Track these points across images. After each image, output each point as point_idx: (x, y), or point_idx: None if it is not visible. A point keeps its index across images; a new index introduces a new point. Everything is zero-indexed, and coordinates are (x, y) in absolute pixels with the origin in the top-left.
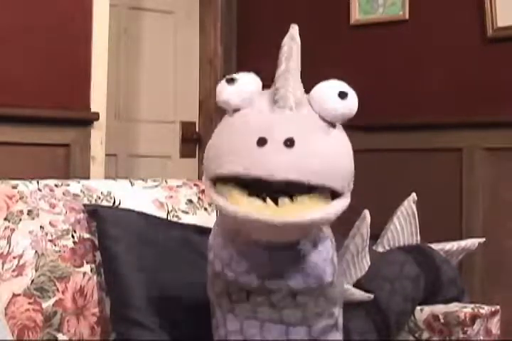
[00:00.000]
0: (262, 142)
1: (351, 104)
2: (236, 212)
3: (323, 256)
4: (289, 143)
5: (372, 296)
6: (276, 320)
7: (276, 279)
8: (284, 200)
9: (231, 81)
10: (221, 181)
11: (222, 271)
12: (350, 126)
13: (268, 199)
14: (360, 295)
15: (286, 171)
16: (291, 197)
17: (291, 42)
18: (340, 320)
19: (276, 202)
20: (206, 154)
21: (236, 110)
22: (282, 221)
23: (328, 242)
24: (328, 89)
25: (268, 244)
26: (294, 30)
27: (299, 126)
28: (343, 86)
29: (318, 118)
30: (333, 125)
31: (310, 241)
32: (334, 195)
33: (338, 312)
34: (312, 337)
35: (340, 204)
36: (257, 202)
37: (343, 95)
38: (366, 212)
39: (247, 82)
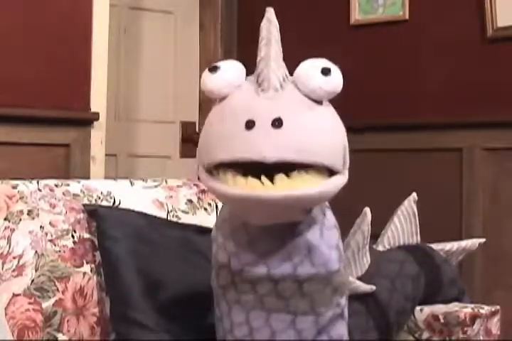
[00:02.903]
0: (250, 125)
1: (335, 80)
2: (235, 193)
3: (329, 243)
4: (278, 123)
5: (374, 287)
6: (283, 309)
7: (283, 267)
8: (280, 177)
9: (214, 69)
10: (215, 168)
11: (228, 261)
12: (351, 126)
13: (264, 178)
14: (364, 287)
15: (279, 152)
16: (287, 174)
17: (269, 26)
18: (346, 310)
19: (272, 181)
20: (199, 144)
21: (223, 98)
22: (280, 195)
23: (334, 230)
24: (311, 67)
25: (275, 231)
26: (270, 13)
27: (285, 106)
28: (326, 63)
29: (304, 96)
30: (319, 102)
31: (317, 228)
32: (331, 172)
33: (344, 302)
34: (320, 326)
35: (338, 181)
36: (253, 182)
37: (326, 71)
38: (367, 210)
39: (230, 69)
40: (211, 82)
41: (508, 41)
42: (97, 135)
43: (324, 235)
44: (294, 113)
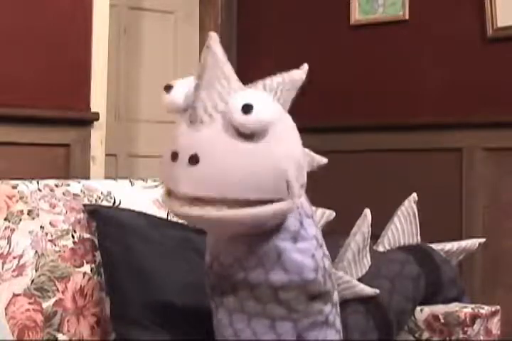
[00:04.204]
0: (174, 156)
1: (257, 118)
2: (168, 207)
3: (303, 251)
4: (194, 159)
5: (378, 291)
6: (262, 314)
7: (257, 273)
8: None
9: (167, 89)
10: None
11: (211, 264)
12: (351, 126)
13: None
14: (367, 290)
15: (195, 188)
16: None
17: (207, 53)
18: (333, 317)
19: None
20: None
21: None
22: (193, 215)
23: (310, 241)
24: (235, 103)
25: (245, 237)
26: (211, 38)
27: (205, 141)
28: (249, 97)
29: (232, 129)
30: (253, 134)
31: (289, 237)
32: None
33: (329, 309)
34: (298, 332)
35: (270, 208)
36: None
37: (246, 109)
38: (367, 211)
39: (181, 90)
40: (164, 102)
41: (508, 41)
42: (97, 135)
43: (298, 244)
44: (212, 149)
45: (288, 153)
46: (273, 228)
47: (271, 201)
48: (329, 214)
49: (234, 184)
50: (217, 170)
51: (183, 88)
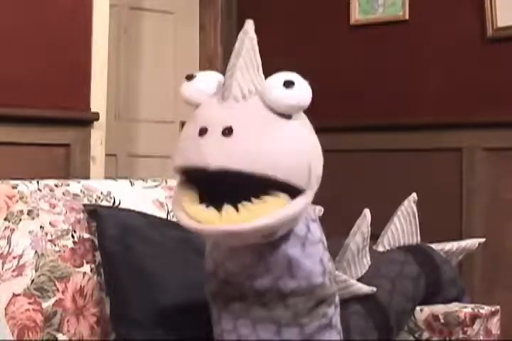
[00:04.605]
0: (202, 132)
1: (298, 94)
2: (180, 220)
3: (312, 258)
4: (227, 131)
5: (375, 289)
6: (268, 319)
7: (265, 280)
8: (226, 209)
9: (190, 78)
10: (184, 181)
11: (215, 270)
12: (350, 126)
13: (211, 208)
14: (365, 289)
15: (223, 160)
16: (236, 204)
17: (244, 37)
18: (335, 319)
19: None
20: None
21: (197, 106)
22: (218, 231)
23: (317, 245)
24: (275, 79)
25: (253, 245)
26: (249, 24)
27: (240, 116)
28: (292, 76)
29: (267, 109)
30: (286, 117)
31: (298, 243)
32: (293, 193)
33: (332, 311)
34: (305, 336)
35: (296, 206)
36: (201, 210)
37: (288, 84)
38: (366, 211)
39: (205, 78)
40: (186, 89)
41: (508, 41)
42: (97, 135)
43: (306, 250)
44: (248, 123)
45: (312, 141)
46: (282, 235)
47: (290, 190)
48: (319, 210)
49: (267, 159)
50: (252, 144)
51: (205, 76)
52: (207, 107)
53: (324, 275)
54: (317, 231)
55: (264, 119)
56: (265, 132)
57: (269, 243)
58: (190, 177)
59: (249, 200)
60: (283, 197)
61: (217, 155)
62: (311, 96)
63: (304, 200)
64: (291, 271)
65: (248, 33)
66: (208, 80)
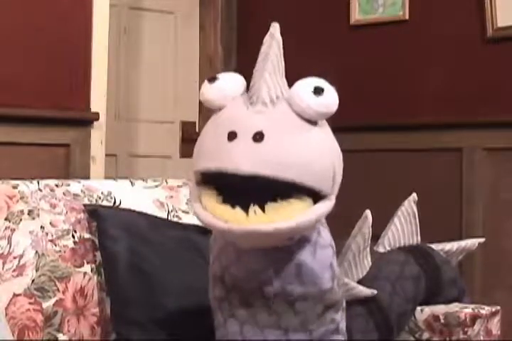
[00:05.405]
0: (232, 136)
1: (327, 101)
2: (205, 219)
3: (322, 263)
4: (258, 136)
5: (375, 292)
6: (275, 325)
7: (274, 285)
8: (253, 209)
9: (212, 80)
10: (202, 181)
11: (222, 275)
12: (351, 126)
13: (237, 208)
14: (365, 291)
15: (254, 165)
16: (263, 204)
17: (271, 41)
18: (342, 325)
19: (248, 209)
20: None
21: (219, 108)
22: (247, 230)
23: (327, 249)
24: (304, 86)
25: (263, 250)
26: (275, 28)
27: (270, 121)
28: (320, 82)
29: (295, 115)
30: (312, 123)
31: (309, 248)
32: (316, 197)
33: (339, 317)
34: None
35: (320, 209)
36: (226, 209)
37: (318, 91)
38: (368, 212)
39: (228, 80)
40: (208, 92)
41: (508, 41)
42: (97, 135)
43: (317, 255)
44: (277, 129)
45: (336, 147)
46: (290, 244)
47: (314, 194)
48: None
49: (296, 165)
50: (283, 150)
51: (229, 79)
52: (234, 111)
53: (333, 280)
54: (327, 236)
55: (293, 125)
56: (295, 138)
57: (280, 247)
58: (213, 180)
59: (275, 201)
60: (307, 200)
61: (248, 160)
62: (338, 102)
63: (327, 204)
64: (301, 276)
65: (275, 37)
66: (232, 83)
